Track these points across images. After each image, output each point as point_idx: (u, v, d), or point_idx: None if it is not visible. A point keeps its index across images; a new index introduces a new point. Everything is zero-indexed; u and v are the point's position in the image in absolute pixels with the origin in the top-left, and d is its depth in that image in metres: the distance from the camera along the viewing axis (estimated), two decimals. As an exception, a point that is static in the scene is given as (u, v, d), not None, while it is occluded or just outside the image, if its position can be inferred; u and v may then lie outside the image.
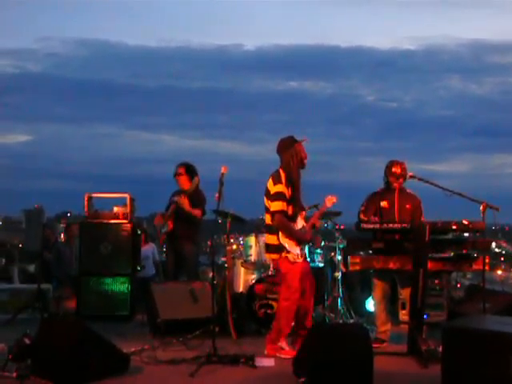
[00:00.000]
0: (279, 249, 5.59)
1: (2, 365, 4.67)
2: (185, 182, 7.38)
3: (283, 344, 5.64)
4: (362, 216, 6.23)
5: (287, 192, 5.60)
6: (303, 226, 5.70)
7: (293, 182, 5.64)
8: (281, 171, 5.65)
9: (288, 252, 5.55)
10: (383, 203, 6.24)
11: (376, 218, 6.10)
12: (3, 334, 6.09)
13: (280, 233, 5.57)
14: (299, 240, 5.64)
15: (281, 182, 5.59)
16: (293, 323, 5.73)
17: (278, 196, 5.56)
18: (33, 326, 5.21)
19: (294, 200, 5.65)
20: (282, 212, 5.56)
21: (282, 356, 5.47)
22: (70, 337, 4.58)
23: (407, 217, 6.12)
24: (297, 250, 5.60)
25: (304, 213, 5.83)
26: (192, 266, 7.41)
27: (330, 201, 6.01)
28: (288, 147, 5.66)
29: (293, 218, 5.65)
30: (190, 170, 7.41)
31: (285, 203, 5.57)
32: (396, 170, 6.15)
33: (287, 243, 5.56)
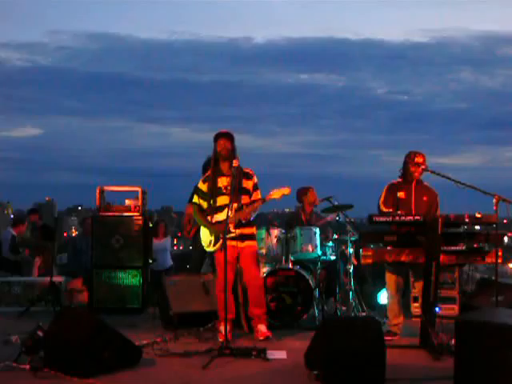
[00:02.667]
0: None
1: (16, 357, 4.70)
2: None
3: (220, 327, 5.90)
4: (383, 207, 6.19)
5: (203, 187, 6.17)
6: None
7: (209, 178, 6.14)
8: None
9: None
10: (400, 194, 6.20)
11: (401, 211, 6.04)
12: (16, 326, 6.14)
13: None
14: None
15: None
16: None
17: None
18: (46, 318, 5.24)
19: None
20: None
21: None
22: (82, 329, 4.60)
23: (424, 209, 6.09)
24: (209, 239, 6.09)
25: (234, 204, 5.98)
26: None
27: (277, 193, 5.94)
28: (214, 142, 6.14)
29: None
30: None
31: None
32: (419, 159, 6.11)
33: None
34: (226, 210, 5.84)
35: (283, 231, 7.19)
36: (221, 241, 5.86)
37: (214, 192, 6.04)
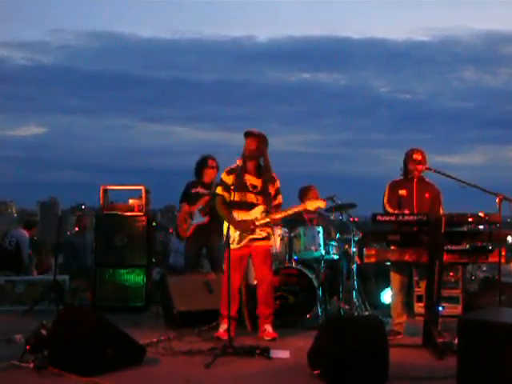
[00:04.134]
0: None
1: (20, 356, 4.70)
2: (214, 176, 7.38)
3: (221, 325, 5.89)
4: (388, 207, 6.19)
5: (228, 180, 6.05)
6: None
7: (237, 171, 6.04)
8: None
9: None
10: (402, 192, 6.21)
11: (406, 210, 6.03)
12: (20, 325, 6.16)
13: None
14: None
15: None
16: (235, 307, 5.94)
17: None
18: (49, 317, 5.25)
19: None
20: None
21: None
22: (86, 328, 4.61)
23: (426, 206, 6.10)
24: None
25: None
26: (220, 258, 7.37)
27: (311, 204, 6.06)
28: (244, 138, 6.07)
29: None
30: (218, 165, 7.41)
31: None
32: (417, 156, 6.12)
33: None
34: (255, 209, 5.94)
35: (286, 230, 7.19)
36: (245, 240, 5.90)
37: (239, 187, 5.95)
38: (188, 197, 7.43)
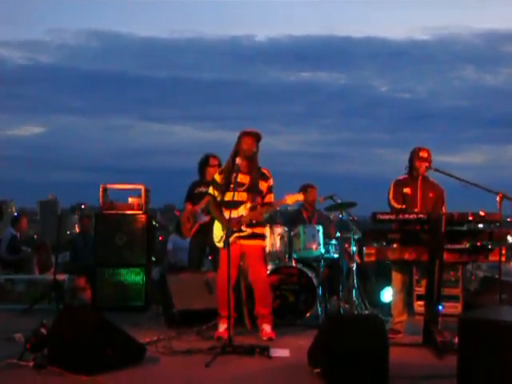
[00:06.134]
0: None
1: (20, 355, 4.70)
2: None
3: (220, 325, 5.91)
4: (394, 203, 6.18)
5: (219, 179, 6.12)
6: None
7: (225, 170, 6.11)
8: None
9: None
10: (406, 190, 6.20)
11: (413, 208, 6.02)
12: (20, 324, 6.16)
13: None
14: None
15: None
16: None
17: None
18: (49, 316, 5.24)
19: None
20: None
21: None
22: (85, 327, 4.60)
23: (430, 205, 6.10)
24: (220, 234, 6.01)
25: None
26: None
27: (291, 198, 6.04)
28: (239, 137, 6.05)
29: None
30: (221, 163, 7.38)
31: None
32: (423, 154, 6.12)
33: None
34: (241, 206, 5.93)
35: (286, 229, 7.19)
36: (231, 238, 5.88)
37: (228, 186, 5.98)
38: (192, 196, 7.42)
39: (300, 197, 6.09)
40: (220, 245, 6.02)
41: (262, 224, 6.18)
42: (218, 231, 6.09)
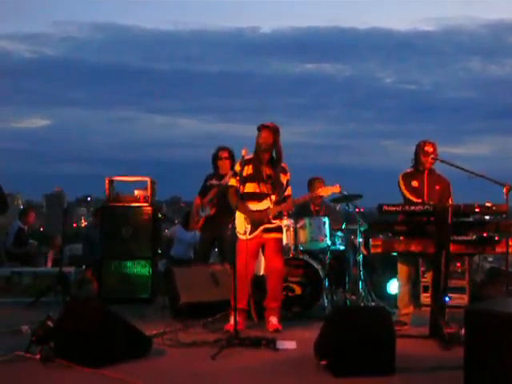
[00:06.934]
0: None
1: (26, 347, 4.71)
2: (229, 167, 7.25)
3: (232, 317, 5.68)
4: (409, 196, 6.13)
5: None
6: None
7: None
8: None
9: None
10: (414, 183, 6.19)
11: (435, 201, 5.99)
12: (27, 316, 6.16)
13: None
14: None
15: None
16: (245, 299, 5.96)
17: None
18: (55, 308, 5.25)
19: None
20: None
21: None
22: (93, 319, 4.60)
23: (436, 198, 6.08)
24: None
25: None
26: (229, 250, 7.31)
27: (325, 190, 6.13)
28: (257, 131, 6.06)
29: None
30: (232, 155, 7.35)
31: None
32: (428, 148, 6.10)
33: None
34: (266, 199, 5.97)
35: (292, 221, 7.18)
36: (258, 230, 5.91)
37: (254, 178, 6.00)
38: (205, 189, 7.40)
39: (336, 189, 6.16)
40: (244, 237, 5.93)
41: (279, 216, 6.18)
42: (240, 223, 5.98)
